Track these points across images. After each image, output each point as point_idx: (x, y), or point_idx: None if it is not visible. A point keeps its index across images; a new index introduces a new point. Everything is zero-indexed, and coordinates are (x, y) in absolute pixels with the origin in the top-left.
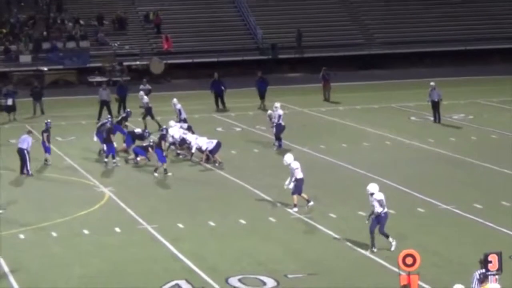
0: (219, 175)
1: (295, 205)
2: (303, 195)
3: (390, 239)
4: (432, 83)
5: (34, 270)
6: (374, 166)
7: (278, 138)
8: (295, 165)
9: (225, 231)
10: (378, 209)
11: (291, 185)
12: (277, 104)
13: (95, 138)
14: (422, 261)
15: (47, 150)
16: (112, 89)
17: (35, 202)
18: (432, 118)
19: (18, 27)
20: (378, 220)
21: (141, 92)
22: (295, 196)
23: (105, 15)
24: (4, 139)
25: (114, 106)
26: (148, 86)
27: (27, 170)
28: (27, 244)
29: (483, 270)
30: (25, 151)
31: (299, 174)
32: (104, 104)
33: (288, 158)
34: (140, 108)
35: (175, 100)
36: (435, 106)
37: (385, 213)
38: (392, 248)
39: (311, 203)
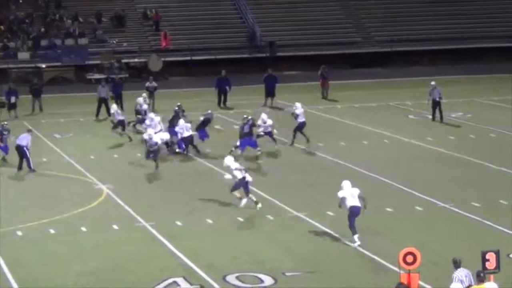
0: (217, 172)
1: (240, 198)
2: (251, 196)
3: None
4: (432, 83)
5: (32, 267)
6: (373, 164)
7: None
8: (234, 165)
9: (222, 228)
10: (351, 202)
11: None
12: (298, 104)
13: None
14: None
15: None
16: (109, 86)
17: (33, 199)
18: (430, 117)
19: (16, 24)
20: (355, 214)
21: (140, 99)
22: (235, 192)
23: (103, 12)
24: None
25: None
26: (154, 84)
27: (29, 166)
28: (25, 241)
29: (460, 270)
30: (25, 148)
31: (239, 175)
32: (103, 101)
33: (228, 160)
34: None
35: (140, 99)
36: (436, 105)
37: (358, 207)
38: (357, 243)
39: (244, 201)
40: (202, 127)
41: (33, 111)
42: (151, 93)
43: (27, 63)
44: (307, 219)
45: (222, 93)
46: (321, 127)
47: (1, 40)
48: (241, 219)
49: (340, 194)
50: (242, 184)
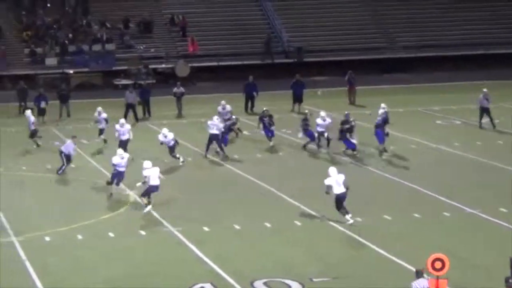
0: (244, 178)
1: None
2: (144, 199)
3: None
4: (485, 90)
5: (59, 273)
6: (400, 170)
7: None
8: (147, 173)
9: (250, 234)
10: (337, 190)
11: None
12: (323, 113)
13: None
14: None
15: None
16: (136, 92)
17: (61, 205)
18: (477, 123)
19: (44, 30)
20: (340, 200)
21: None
22: (144, 198)
23: (131, 18)
24: (31, 142)
25: (138, 110)
26: (181, 89)
27: (61, 169)
28: (53, 246)
29: (420, 280)
30: (64, 154)
31: (154, 181)
32: (130, 107)
33: (146, 164)
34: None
35: (99, 108)
36: (484, 112)
37: (344, 192)
38: (350, 222)
39: (149, 207)
40: (227, 132)
41: (60, 117)
42: (179, 98)
43: (55, 69)
44: (335, 225)
45: (250, 99)
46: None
47: (29, 46)
48: (268, 225)
49: (327, 181)
50: (153, 190)
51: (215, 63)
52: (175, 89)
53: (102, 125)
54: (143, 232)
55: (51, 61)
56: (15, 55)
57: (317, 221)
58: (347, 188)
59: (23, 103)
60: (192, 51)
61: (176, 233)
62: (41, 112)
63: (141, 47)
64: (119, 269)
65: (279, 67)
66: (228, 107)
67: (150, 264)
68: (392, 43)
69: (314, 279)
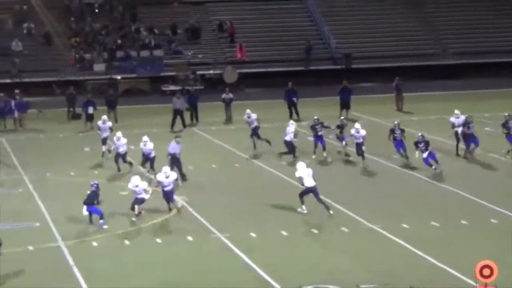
0: (292, 184)
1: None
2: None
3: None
4: None
5: (106, 278)
6: (447, 176)
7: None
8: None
9: (297, 240)
10: (308, 183)
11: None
12: (358, 125)
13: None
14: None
15: None
16: (184, 98)
17: (108, 210)
18: None
19: (92, 36)
20: (310, 191)
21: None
22: (136, 206)
23: (178, 24)
24: (78, 147)
25: (186, 115)
26: (230, 95)
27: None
28: (100, 252)
29: None
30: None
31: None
32: (178, 113)
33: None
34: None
35: (104, 117)
36: None
37: (315, 185)
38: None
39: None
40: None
41: None
42: (228, 104)
43: (103, 75)
44: (382, 231)
45: (291, 105)
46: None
47: (77, 52)
48: (315, 231)
49: (298, 174)
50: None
51: (262, 69)
52: (223, 95)
53: (106, 133)
54: (190, 238)
55: (99, 67)
56: (64, 61)
57: (364, 227)
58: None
59: (71, 109)
60: (240, 58)
61: (224, 239)
62: (89, 118)
63: (189, 53)
64: (166, 275)
65: (327, 73)
66: (254, 116)
67: (197, 270)
68: (442, 49)
69: (362, 286)
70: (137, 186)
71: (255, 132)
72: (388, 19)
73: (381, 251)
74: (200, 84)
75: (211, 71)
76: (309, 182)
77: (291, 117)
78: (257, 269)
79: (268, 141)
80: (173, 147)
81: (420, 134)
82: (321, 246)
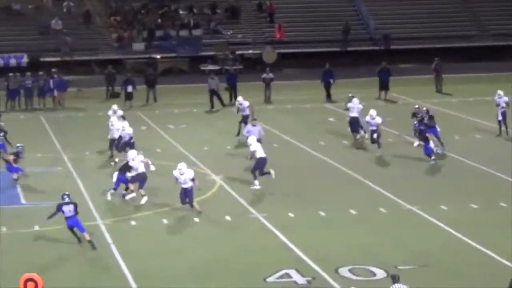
0: (330, 164)
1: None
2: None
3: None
4: None
5: (144, 257)
6: (487, 160)
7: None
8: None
9: (335, 221)
10: (259, 154)
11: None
12: (373, 112)
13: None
14: None
15: (14, 170)
16: (222, 77)
17: (146, 189)
18: None
19: (131, 15)
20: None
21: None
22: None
23: (218, 3)
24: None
25: (226, 95)
26: (270, 75)
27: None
28: (139, 231)
29: (396, 286)
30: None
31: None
32: (213, 93)
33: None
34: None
35: (115, 106)
36: None
37: (265, 157)
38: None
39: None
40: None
41: (147, 102)
42: (268, 84)
43: (142, 54)
44: (421, 212)
45: (327, 86)
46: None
47: (117, 31)
48: (353, 212)
49: (252, 148)
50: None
51: (301, 50)
52: (264, 75)
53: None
54: (228, 218)
55: (138, 46)
56: (103, 40)
57: (402, 208)
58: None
59: (110, 88)
60: (279, 38)
61: (262, 219)
62: (128, 97)
63: (228, 33)
64: (204, 254)
65: (365, 54)
66: (246, 103)
67: (235, 250)
68: (482, 31)
69: (399, 267)
70: (182, 174)
71: (244, 120)
72: (428, 0)
73: (419, 233)
74: (239, 64)
75: (250, 51)
76: (262, 154)
77: (328, 97)
78: (295, 249)
79: None
80: (249, 130)
81: (417, 106)
82: (359, 227)
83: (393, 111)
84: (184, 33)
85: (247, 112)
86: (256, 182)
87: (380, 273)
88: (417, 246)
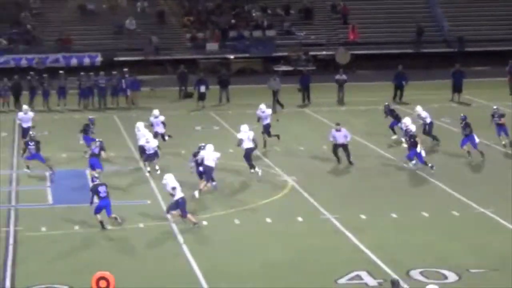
0: (401, 167)
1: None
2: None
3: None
4: None
5: (215, 256)
6: None
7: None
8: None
9: (407, 223)
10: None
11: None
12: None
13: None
14: None
15: (98, 167)
16: (295, 78)
17: (219, 190)
18: None
19: (205, 15)
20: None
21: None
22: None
23: (292, 4)
24: (189, 126)
25: (297, 96)
26: (344, 76)
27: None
28: (210, 230)
29: None
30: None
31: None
32: (274, 93)
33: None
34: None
35: (156, 111)
36: None
37: (252, 148)
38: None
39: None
40: None
41: (220, 102)
42: (341, 86)
43: (215, 54)
44: (493, 215)
45: (398, 88)
46: (508, 123)
47: (190, 31)
48: (426, 214)
49: (239, 136)
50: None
51: (374, 51)
52: (337, 76)
53: (159, 128)
54: (300, 219)
55: (212, 46)
56: (177, 40)
57: (475, 211)
58: (255, 144)
59: (183, 87)
60: (352, 39)
61: (334, 220)
62: (201, 97)
63: (302, 34)
64: (275, 255)
65: (438, 57)
66: (268, 112)
67: (307, 251)
68: None
69: (471, 270)
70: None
71: (266, 130)
72: (503, 2)
73: (492, 236)
74: (312, 65)
75: (324, 52)
76: (248, 144)
77: (394, 99)
78: (366, 251)
79: (278, 136)
80: (334, 135)
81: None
82: (431, 230)
83: (466, 114)
84: (257, 33)
85: (268, 120)
86: (255, 169)
87: (452, 276)
88: (490, 250)
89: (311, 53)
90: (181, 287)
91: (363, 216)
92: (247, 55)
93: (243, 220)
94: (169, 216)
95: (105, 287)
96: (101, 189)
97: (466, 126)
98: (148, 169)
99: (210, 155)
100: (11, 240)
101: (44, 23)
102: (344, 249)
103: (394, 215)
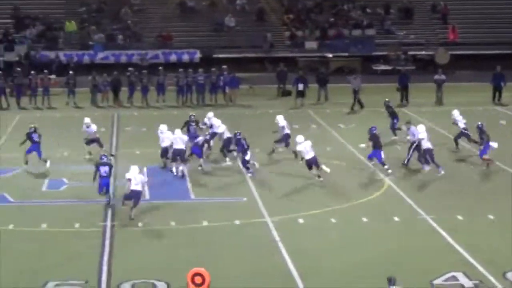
0: (500, 167)
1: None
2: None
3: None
4: None
5: (311, 254)
6: None
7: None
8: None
9: (504, 225)
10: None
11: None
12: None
13: None
14: None
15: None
16: (394, 78)
17: (315, 188)
18: None
19: (304, 14)
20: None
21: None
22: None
23: (391, 4)
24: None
25: (396, 96)
26: (443, 76)
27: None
28: (306, 229)
29: None
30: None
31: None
32: (354, 93)
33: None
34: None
35: (210, 114)
36: None
37: (314, 156)
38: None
39: None
40: None
41: (318, 100)
42: (439, 86)
43: (314, 52)
44: None
45: (497, 89)
46: None
47: (289, 29)
48: None
49: (299, 147)
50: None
51: (474, 52)
52: (436, 76)
53: (217, 129)
54: (396, 219)
55: (310, 44)
56: (277, 37)
57: None
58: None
59: (282, 85)
60: (452, 39)
61: (430, 220)
62: (299, 94)
63: (401, 33)
64: (370, 254)
65: None
66: (284, 123)
67: (402, 250)
68: None
69: None
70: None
71: (285, 140)
72: None
73: None
74: (411, 65)
75: (423, 52)
76: (309, 155)
77: (493, 100)
78: (462, 251)
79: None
80: (413, 131)
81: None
82: None
83: None
84: (356, 32)
85: (287, 130)
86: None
87: None
88: None
89: (410, 52)
90: (277, 287)
91: (459, 217)
92: (346, 54)
93: (339, 219)
94: (124, 206)
95: (201, 283)
96: (102, 169)
97: (482, 133)
98: (180, 167)
99: (137, 178)
100: (107, 235)
101: (145, 19)
102: (440, 250)
103: (491, 216)
